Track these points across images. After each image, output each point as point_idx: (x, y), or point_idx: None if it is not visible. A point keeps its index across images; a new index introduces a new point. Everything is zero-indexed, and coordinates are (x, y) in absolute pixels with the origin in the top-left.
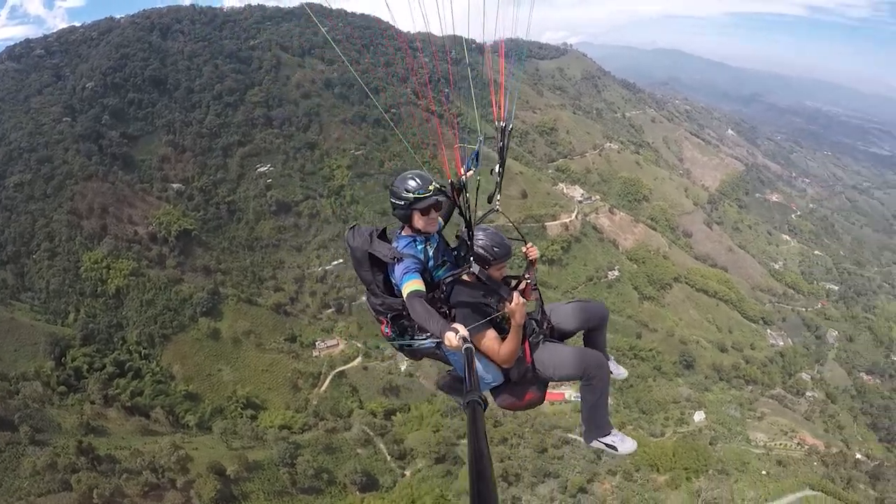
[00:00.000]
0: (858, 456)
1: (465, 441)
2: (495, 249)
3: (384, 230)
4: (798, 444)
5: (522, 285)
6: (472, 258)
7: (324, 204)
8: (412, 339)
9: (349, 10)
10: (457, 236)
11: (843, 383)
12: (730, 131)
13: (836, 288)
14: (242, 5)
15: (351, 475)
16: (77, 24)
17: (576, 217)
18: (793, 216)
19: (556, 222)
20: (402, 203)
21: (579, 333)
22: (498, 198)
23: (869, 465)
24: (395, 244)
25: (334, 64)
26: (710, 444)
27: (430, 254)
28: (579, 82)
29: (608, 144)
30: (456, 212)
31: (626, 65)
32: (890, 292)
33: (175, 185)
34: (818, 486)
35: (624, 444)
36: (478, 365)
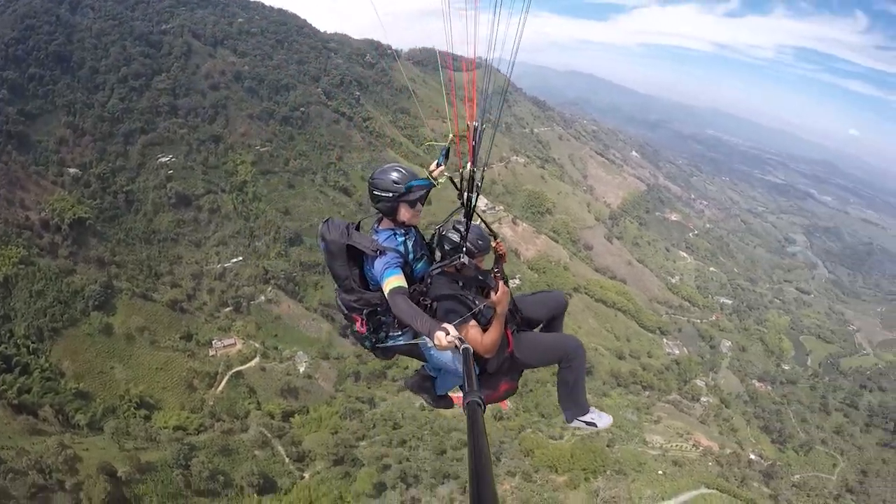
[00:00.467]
0: (752, 456)
1: (363, 443)
2: (479, 242)
3: (358, 224)
4: (693, 445)
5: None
6: (464, 250)
7: (225, 199)
8: (387, 336)
9: (266, 4)
10: (453, 228)
11: (736, 390)
12: (634, 153)
13: (730, 302)
14: None
15: (248, 477)
16: None
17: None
18: (690, 235)
19: None
20: (391, 195)
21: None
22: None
23: (762, 465)
24: (374, 237)
25: (246, 57)
26: (608, 446)
27: (410, 247)
28: (490, 96)
29: (515, 158)
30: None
31: (538, 83)
32: (780, 307)
33: (72, 170)
34: (713, 485)
35: (602, 419)
36: (452, 357)
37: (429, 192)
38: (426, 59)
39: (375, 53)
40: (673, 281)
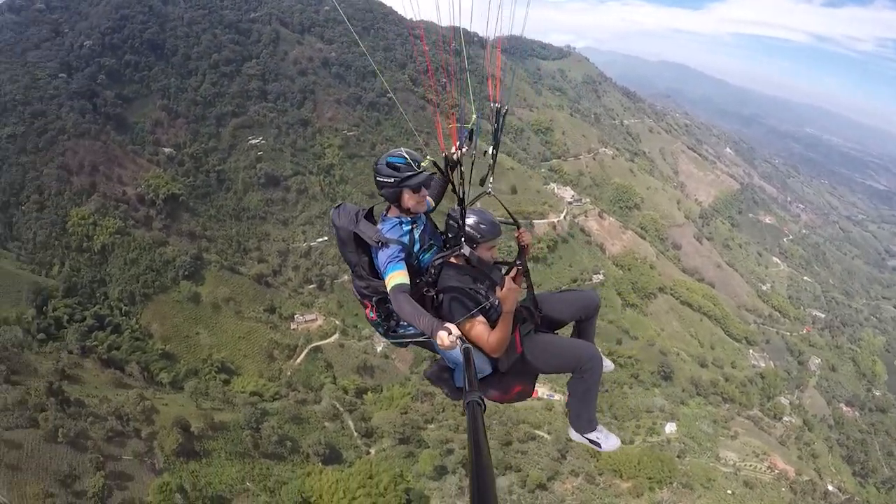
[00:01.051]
0: (830, 487)
1: (431, 426)
2: (482, 227)
3: (371, 210)
4: (768, 467)
5: (513, 272)
6: (462, 238)
7: (313, 181)
8: (397, 325)
9: None
10: (448, 216)
11: (821, 412)
12: (728, 149)
13: (823, 316)
14: None
15: (315, 446)
16: None
17: (564, 217)
18: (785, 240)
19: (544, 221)
20: (392, 180)
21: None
22: (490, 181)
23: (839, 498)
24: (380, 226)
25: (333, 43)
26: (678, 456)
27: (417, 236)
28: (579, 85)
29: (603, 149)
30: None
31: (628, 73)
32: (877, 326)
33: (166, 150)
34: None
35: (608, 440)
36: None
37: (443, 174)
38: (513, 47)
39: (462, 40)
40: (763, 288)
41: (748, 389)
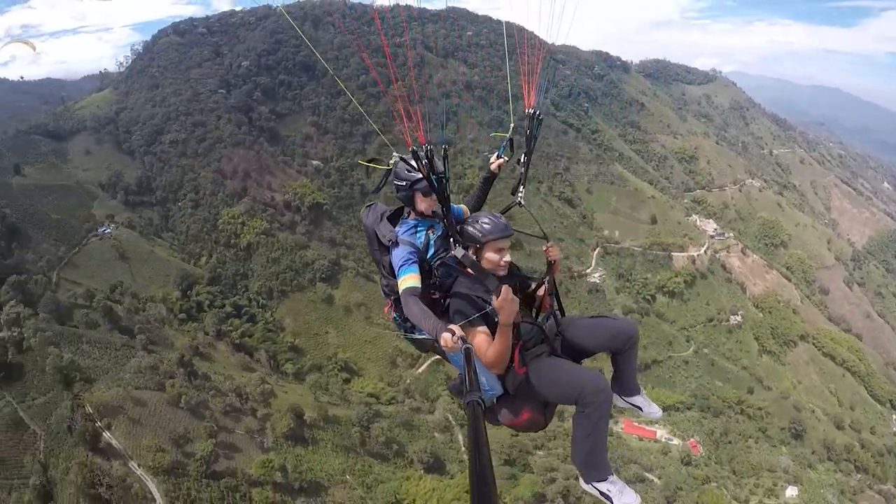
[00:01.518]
0: None
1: (540, 452)
2: (485, 226)
3: (398, 210)
4: None
5: (540, 290)
6: (452, 240)
7: (452, 200)
8: (414, 327)
9: (494, 18)
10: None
11: None
12: (886, 184)
13: None
14: (391, 4)
15: (420, 453)
16: (238, 8)
17: (705, 252)
18: None
19: (684, 254)
20: (404, 184)
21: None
22: (521, 191)
23: None
24: (398, 228)
25: (476, 67)
26: None
27: (432, 241)
28: (726, 111)
29: (750, 181)
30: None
31: (778, 98)
32: None
33: (314, 162)
34: None
35: (623, 496)
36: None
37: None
38: (657, 72)
39: (604, 65)
40: None
41: (885, 460)
